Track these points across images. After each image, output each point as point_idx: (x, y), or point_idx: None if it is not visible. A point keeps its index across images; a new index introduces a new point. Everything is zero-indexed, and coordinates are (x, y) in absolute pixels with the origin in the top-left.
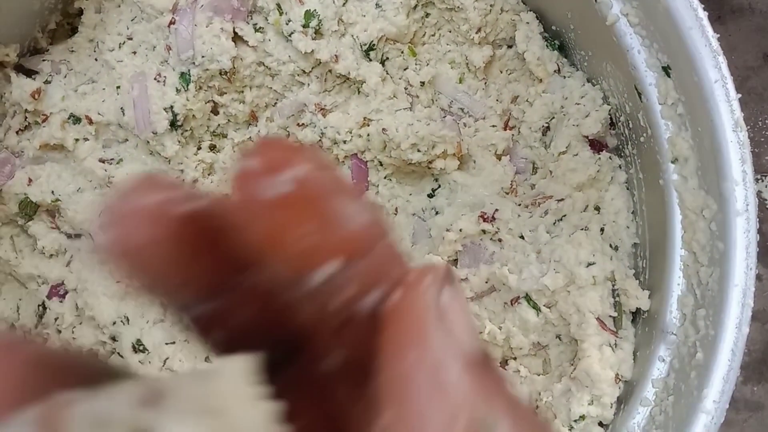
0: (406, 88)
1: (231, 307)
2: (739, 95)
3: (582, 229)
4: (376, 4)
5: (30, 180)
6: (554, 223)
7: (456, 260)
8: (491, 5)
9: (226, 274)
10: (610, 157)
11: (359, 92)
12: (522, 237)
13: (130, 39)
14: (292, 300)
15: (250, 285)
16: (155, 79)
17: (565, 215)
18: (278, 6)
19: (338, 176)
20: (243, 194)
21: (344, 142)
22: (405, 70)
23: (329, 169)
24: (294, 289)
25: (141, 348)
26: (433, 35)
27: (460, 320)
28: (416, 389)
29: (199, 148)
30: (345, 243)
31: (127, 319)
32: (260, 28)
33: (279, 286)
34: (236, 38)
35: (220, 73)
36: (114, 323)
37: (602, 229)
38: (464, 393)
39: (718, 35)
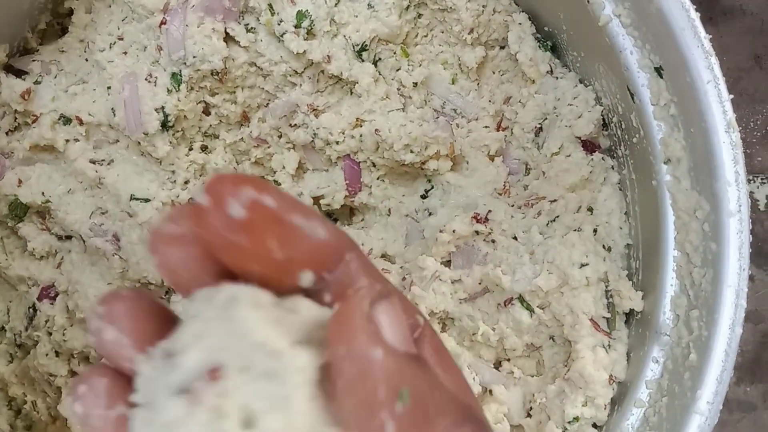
0: (398, 89)
1: None
2: (731, 96)
3: (575, 230)
4: (369, 5)
5: (20, 181)
6: (547, 224)
7: (449, 261)
8: (484, 6)
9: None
10: (602, 158)
11: (352, 93)
12: (515, 238)
13: (121, 39)
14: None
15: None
16: (146, 79)
17: (558, 216)
18: (270, 6)
19: (290, 196)
20: (203, 230)
21: (337, 142)
22: (397, 70)
23: (276, 190)
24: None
25: None
26: (425, 36)
27: (391, 324)
28: (345, 371)
29: (190, 149)
30: (310, 255)
31: None
32: (252, 28)
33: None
34: (228, 38)
35: (212, 74)
36: None
37: (595, 230)
38: (385, 368)
39: (710, 36)
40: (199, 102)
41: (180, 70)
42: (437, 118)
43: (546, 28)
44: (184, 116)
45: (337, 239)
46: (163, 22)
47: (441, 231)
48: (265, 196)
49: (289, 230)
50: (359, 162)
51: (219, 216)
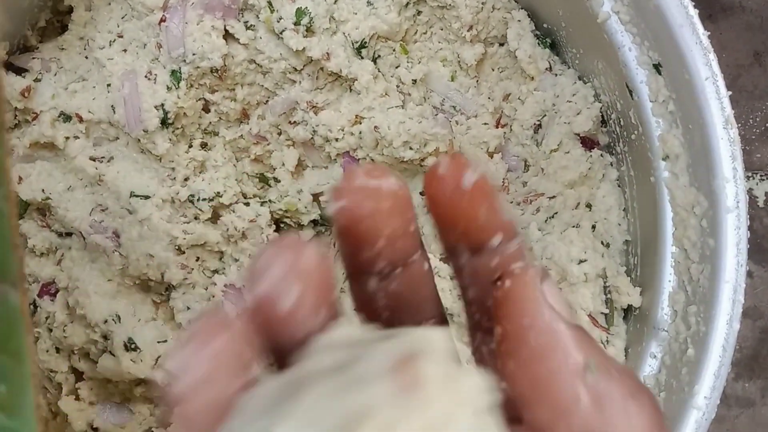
0: (398, 86)
1: (400, 279)
2: (730, 93)
3: (573, 227)
4: (368, 2)
5: (20, 178)
6: (546, 221)
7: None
8: (483, 3)
9: (412, 248)
10: (601, 155)
11: (351, 90)
12: None
13: (121, 37)
14: (464, 265)
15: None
16: (146, 76)
17: (556, 213)
18: (269, 3)
19: (494, 184)
20: (434, 189)
21: (336, 139)
22: (397, 67)
23: (489, 177)
24: (472, 254)
25: (133, 346)
26: (424, 33)
27: (557, 301)
28: (531, 340)
29: (190, 146)
30: (504, 225)
31: (119, 318)
32: (251, 25)
33: (458, 255)
34: (227, 36)
35: (211, 71)
36: (105, 322)
37: (594, 227)
38: (573, 339)
39: (709, 33)
40: (199, 99)
41: (179, 68)
42: (436, 115)
43: (545, 25)
44: (184, 113)
45: (514, 222)
46: (162, 20)
47: None
48: (485, 178)
49: (492, 205)
50: (359, 159)
51: (453, 182)
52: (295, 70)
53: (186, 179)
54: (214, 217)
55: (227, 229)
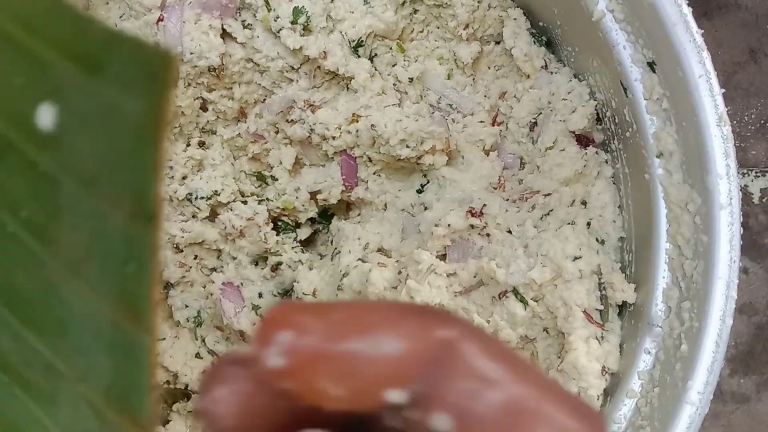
0: (394, 84)
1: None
2: (724, 90)
3: (569, 224)
4: (365, 1)
5: None
6: (541, 218)
7: (445, 255)
8: (479, 1)
9: (306, 416)
10: (596, 152)
11: (348, 88)
12: (510, 231)
13: None
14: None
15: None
16: None
17: (552, 210)
18: (266, 2)
19: (343, 318)
20: (256, 381)
21: (333, 138)
22: (393, 66)
23: (320, 317)
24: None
25: None
26: (421, 31)
27: None
28: None
29: (188, 145)
30: (386, 375)
31: None
32: (249, 24)
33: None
34: (225, 35)
35: (209, 70)
36: None
37: (589, 224)
38: None
39: (703, 31)
40: (197, 98)
41: (177, 67)
42: (433, 113)
43: (541, 24)
44: (182, 112)
45: (424, 341)
46: (160, 19)
47: (436, 225)
48: (302, 335)
49: (342, 361)
50: (356, 157)
51: (261, 367)
52: (293, 68)
53: (184, 178)
54: (212, 216)
55: (225, 228)
